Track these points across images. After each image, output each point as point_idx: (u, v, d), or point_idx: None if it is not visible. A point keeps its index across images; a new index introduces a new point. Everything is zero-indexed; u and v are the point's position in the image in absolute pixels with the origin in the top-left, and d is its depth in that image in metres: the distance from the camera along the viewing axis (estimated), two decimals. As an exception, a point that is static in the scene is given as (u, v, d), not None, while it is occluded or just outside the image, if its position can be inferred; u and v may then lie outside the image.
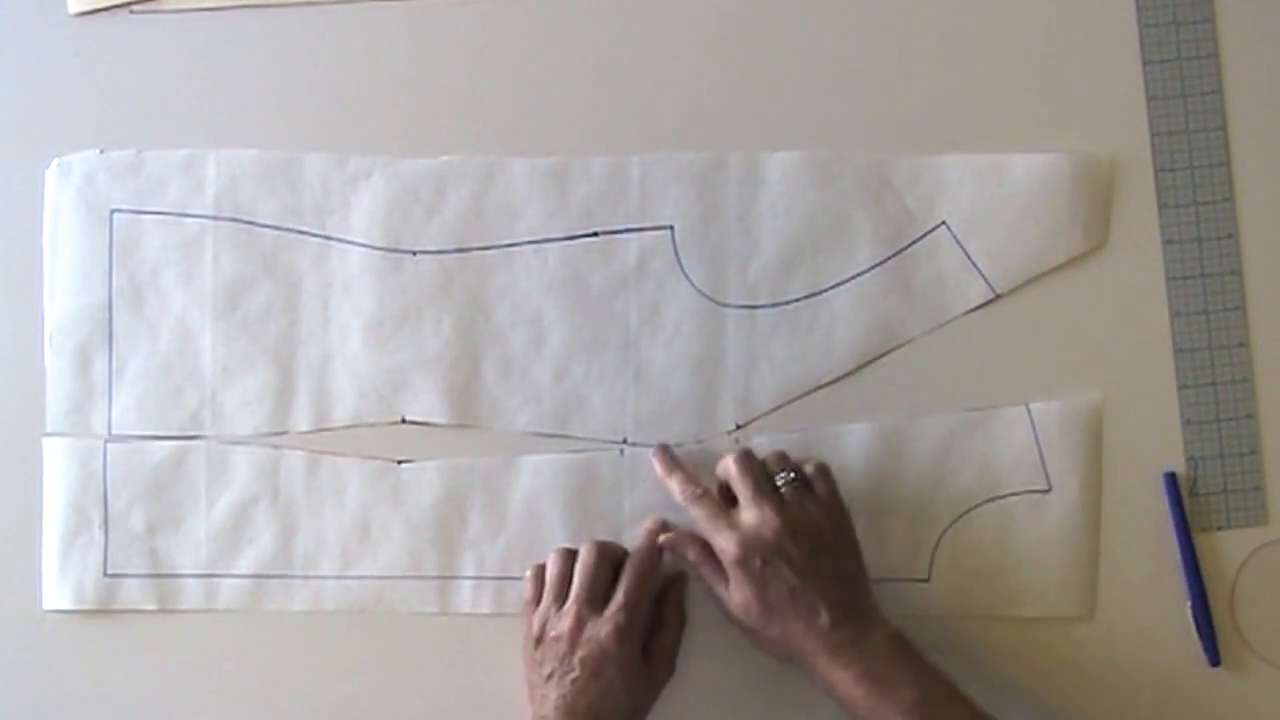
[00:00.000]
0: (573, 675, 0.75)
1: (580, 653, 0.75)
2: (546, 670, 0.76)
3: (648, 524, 0.80)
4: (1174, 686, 0.81)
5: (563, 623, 0.77)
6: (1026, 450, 0.82)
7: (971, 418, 0.82)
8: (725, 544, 0.75)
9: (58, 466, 0.84)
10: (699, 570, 0.78)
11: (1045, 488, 0.82)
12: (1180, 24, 0.82)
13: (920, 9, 0.83)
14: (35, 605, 0.84)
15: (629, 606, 0.77)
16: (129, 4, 0.84)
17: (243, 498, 0.83)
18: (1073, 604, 0.81)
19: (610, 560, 0.79)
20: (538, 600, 0.79)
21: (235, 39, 0.84)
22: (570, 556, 0.79)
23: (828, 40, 0.83)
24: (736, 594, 0.75)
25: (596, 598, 0.77)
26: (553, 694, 0.75)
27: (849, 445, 0.82)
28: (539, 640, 0.77)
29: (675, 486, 0.79)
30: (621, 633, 0.76)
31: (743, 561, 0.74)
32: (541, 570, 0.80)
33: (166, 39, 0.84)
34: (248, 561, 0.83)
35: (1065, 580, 0.81)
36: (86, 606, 0.84)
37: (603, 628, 0.76)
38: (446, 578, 0.83)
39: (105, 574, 0.84)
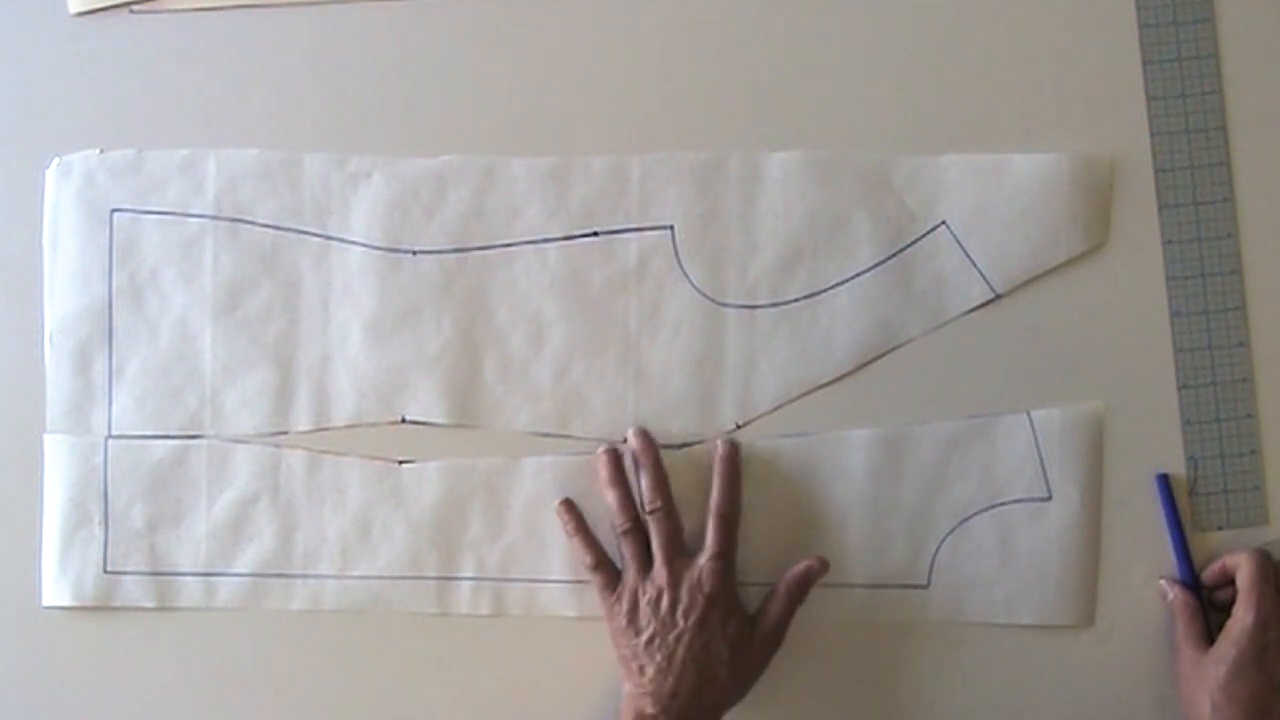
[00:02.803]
0: (676, 631, 0.76)
1: (683, 604, 0.76)
2: (647, 635, 0.76)
3: (721, 454, 0.80)
4: (1172, 693, 0.81)
5: (656, 582, 0.77)
6: (1028, 458, 0.82)
7: (973, 425, 0.82)
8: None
9: (58, 462, 0.84)
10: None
11: (1045, 496, 0.82)
12: (1180, 24, 0.82)
13: (920, 9, 0.83)
14: (34, 602, 0.84)
15: (721, 555, 0.77)
16: (129, 4, 0.84)
17: (243, 496, 0.84)
18: (1072, 612, 0.81)
19: (675, 507, 0.79)
20: (612, 585, 0.79)
21: (235, 39, 0.84)
22: (637, 531, 0.79)
23: (828, 40, 0.83)
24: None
25: (681, 552, 0.78)
26: (656, 659, 0.76)
27: (850, 450, 0.82)
28: (633, 611, 0.77)
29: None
30: (718, 574, 0.77)
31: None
32: (599, 558, 0.80)
33: (166, 39, 0.84)
34: (247, 560, 0.84)
35: (1064, 588, 0.81)
36: (85, 603, 0.84)
37: (699, 573, 0.77)
38: (446, 578, 0.83)
39: (105, 571, 0.84)
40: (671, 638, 0.76)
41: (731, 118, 0.83)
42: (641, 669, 0.76)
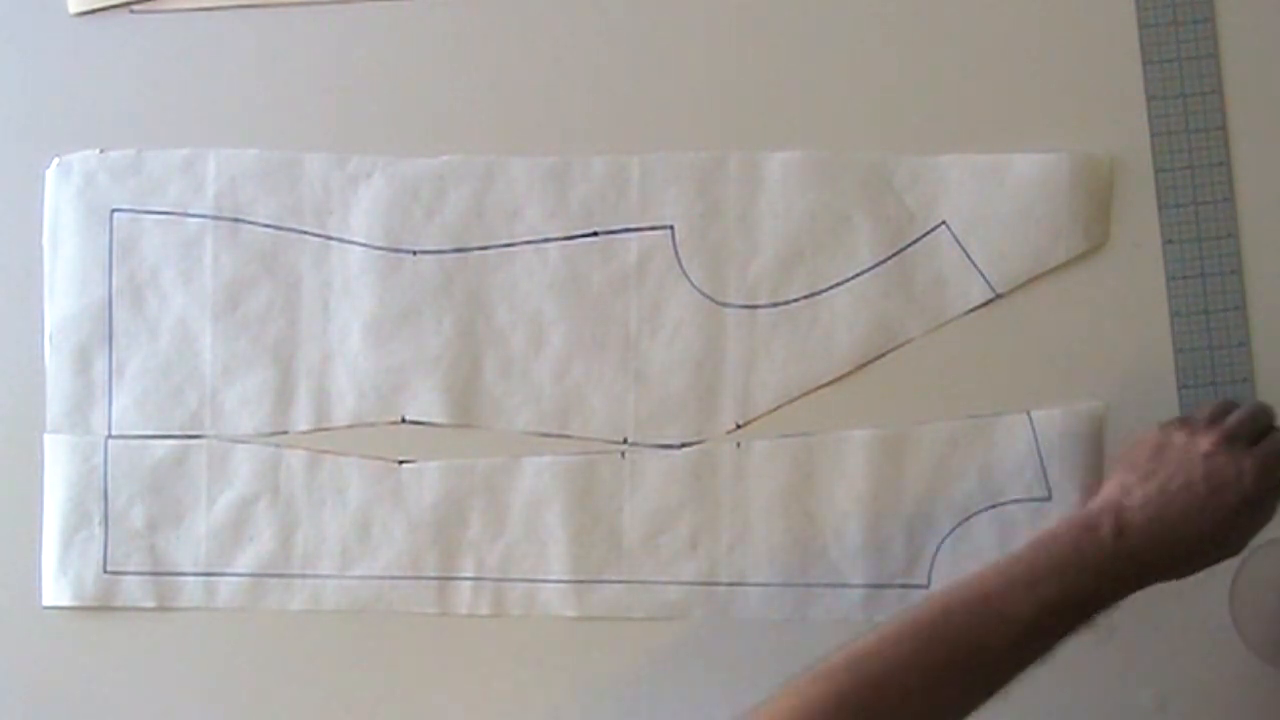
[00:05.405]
0: (1181, 481, 0.70)
1: (1209, 465, 0.70)
2: (1151, 466, 0.71)
3: None
4: (1172, 693, 0.81)
5: (1202, 438, 0.71)
6: (1028, 458, 0.82)
7: (973, 424, 0.82)
8: None
9: (58, 463, 0.84)
10: None
11: (1045, 496, 0.81)
12: (1180, 24, 0.82)
13: (921, 9, 0.83)
14: (34, 602, 0.84)
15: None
16: (129, 4, 0.84)
17: (243, 496, 0.84)
18: (1071, 610, 0.81)
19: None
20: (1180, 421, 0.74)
21: (235, 39, 0.84)
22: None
23: (828, 40, 0.83)
24: None
25: (1244, 437, 0.72)
26: (1141, 491, 0.70)
27: (850, 451, 0.82)
28: (1161, 445, 0.72)
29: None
30: (1262, 474, 0.70)
31: None
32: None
33: (166, 39, 0.84)
34: (247, 560, 0.84)
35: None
36: (86, 603, 0.84)
37: (1246, 460, 0.70)
38: (446, 578, 0.83)
39: (105, 571, 0.84)
40: (1174, 485, 0.70)
41: (731, 118, 0.83)
42: (1127, 490, 0.70)
